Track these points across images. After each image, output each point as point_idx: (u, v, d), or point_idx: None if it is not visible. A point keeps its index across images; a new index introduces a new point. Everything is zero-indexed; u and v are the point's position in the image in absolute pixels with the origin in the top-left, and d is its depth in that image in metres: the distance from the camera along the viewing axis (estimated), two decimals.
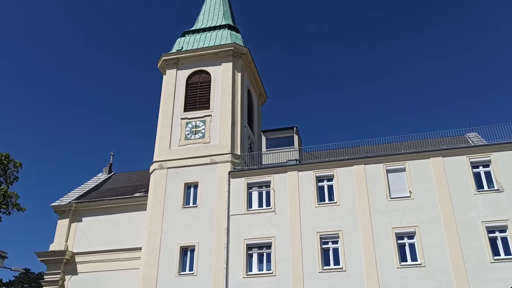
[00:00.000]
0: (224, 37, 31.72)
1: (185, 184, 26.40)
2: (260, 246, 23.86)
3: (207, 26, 33.58)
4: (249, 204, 25.11)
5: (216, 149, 27.13)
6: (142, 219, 26.82)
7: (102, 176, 35.28)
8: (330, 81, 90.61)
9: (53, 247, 28.24)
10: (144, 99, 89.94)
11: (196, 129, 28.32)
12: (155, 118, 30.11)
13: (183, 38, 32.97)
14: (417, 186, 23.51)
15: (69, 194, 31.21)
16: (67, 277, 27.43)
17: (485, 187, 22.95)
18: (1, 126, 75.82)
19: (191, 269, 24.12)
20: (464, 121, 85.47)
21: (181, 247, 24.65)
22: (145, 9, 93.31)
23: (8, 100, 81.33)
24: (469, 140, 27.62)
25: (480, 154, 23.74)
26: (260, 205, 24.99)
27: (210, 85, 29.79)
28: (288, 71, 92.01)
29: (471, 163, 23.56)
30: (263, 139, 29.12)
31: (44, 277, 28.31)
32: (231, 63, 30.05)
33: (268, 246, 23.71)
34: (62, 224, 29.04)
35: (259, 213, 24.62)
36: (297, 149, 27.76)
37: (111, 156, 37.23)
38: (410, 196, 23.34)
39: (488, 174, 23.27)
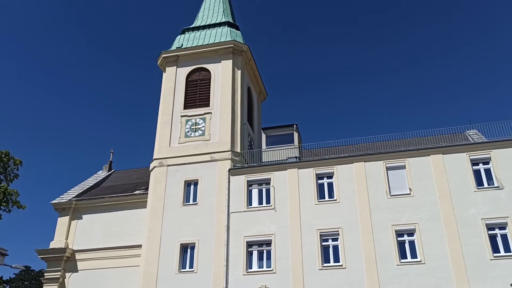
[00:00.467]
0: (224, 35, 31.69)
1: (185, 181, 26.41)
2: (260, 244, 23.90)
3: (207, 23, 33.54)
4: (249, 202, 25.12)
5: (216, 146, 27.14)
6: (142, 217, 26.85)
7: (102, 174, 35.29)
8: (330, 79, 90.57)
9: (53, 244, 28.27)
10: (144, 96, 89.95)
11: (196, 127, 28.32)
12: (155, 115, 30.19)
13: (182, 35, 32.95)
14: (417, 183, 23.52)
15: (69, 191, 31.24)
16: (67, 274, 27.46)
17: (485, 184, 22.94)
18: (1, 124, 75.88)
19: (191, 266, 24.15)
20: (464, 118, 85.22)
21: (181, 244, 24.68)
22: (145, 7, 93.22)
23: (8, 99, 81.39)
24: (469, 137, 27.61)
25: (480, 151, 23.74)
26: (260, 202, 25.01)
27: (210, 82, 29.78)
28: (288, 69, 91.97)
29: (471, 160, 23.57)
30: (263, 136, 29.11)
31: (45, 274, 28.35)
32: (231, 61, 30.03)
33: (268, 243, 23.74)
34: (62, 221, 29.08)
35: (259, 210, 24.64)
36: (297, 146, 27.76)
37: (111, 154, 37.28)
38: (410, 193, 23.35)
39: (488, 171, 23.27)
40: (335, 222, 23.35)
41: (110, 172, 35.59)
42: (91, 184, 32.59)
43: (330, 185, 24.62)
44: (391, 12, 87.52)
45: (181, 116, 28.96)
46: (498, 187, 22.60)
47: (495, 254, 21.16)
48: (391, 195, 23.50)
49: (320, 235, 23.25)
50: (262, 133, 29.46)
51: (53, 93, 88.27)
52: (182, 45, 31.85)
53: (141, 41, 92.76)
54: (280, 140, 28.38)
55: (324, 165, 25.09)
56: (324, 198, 24.33)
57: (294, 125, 28.62)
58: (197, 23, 34.08)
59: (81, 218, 29.10)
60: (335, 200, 24.06)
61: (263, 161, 27.49)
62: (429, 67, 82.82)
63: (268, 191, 25.15)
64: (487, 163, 23.44)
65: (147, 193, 27.26)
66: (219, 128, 27.80)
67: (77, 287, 26.81)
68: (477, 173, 23.31)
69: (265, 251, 23.72)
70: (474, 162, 23.56)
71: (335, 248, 22.93)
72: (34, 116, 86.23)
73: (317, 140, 52.06)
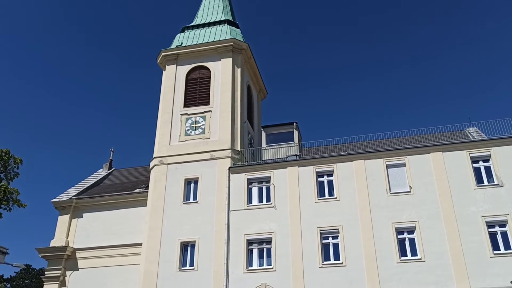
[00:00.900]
0: (224, 33, 31.65)
1: (185, 180, 26.42)
2: (260, 242, 23.91)
3: (207, 21, 33.49)
4: (249, 200, 25.13)
5: (216, 144, 27.14)
6: (143, 215, 26.87)
7: (102, 172, 35.31)
8: (330, 77, 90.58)
9: (54, 243, 28.29)
10: (144, 95, 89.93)
11: (196, 125, 28.31)
12: (155, 114, 30.18)
13: (182, 33, 32.91)
14: (417, 181, 23.51)
15: (69, 190, 31.26)
16: (68, 272, 27.48)
17: (485, 182, 22.94)
18: (1, 123, 75.88)
19: (191, 264, 24.18)
20: (464, 116, 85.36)
21: (181, 242, 24.70)
22: (144, 6, 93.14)
23: (8, 99, 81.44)
24: (469, 135, 27.60)
25: (480, 149, 23.72)
26: (260, 200, 25.02)
27: (210, 80, 29.76)
28: (288, 67, 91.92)
29: (471, 158, 23.55)
30: (263, 134, 29.12)
31: (45, 273, 28.41)
32: (230, 59, 30.00)
33: (268, 241, 23.75)
34: (63, 220, 29.09)
35: (259, 208, 24.65)
36: (297, 144, 27.77)
37: (111, 152, 37.27)
38: (410, 191, 23.35)
39: (488, 169, 23.26)
40: (335, 220, 23.36)
41: (110, 171, 35.61)
42: (91, 183, 32.61)
43: (330, 183, 24.62)
44: (391, 12, 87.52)
45: (181, 114, 28.95)
46: (498, 184, 22.59)
47: (495, 252, 21.17)
48: (391, 193, 23.50)
49: (320, 233, 23.26)
50: (262, 131, 29.47)
51: (53, 92, 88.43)
52: (182, 43, 31.83)
53: (141, 40, 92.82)
54: (280, 138, 28.40)
55: (324, 163, 25.09)
56: (324, 196, 24.33)
57: (294, 123, 28.63)
58: (197, 21, 34.03)
59: (82, 217, 29.11)
60: (335, 198, 24.06)
61: (263, 159, 27.50)
62: (429, 66, 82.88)
63: (268, 189, 25.16)
64: (487, 160, 23.43)
65: (147, 191, 27.27)
66: (219, 127, 27.79)
67: (78, 286, 26.84)
68: (477, 171, 23.30)
69: (265, 249, 23.72)
70: (474, 160, 23.54)
71: (335, 246, 22.94)
72: (34, 115, 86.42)
73: (317, 138, 52.12)
